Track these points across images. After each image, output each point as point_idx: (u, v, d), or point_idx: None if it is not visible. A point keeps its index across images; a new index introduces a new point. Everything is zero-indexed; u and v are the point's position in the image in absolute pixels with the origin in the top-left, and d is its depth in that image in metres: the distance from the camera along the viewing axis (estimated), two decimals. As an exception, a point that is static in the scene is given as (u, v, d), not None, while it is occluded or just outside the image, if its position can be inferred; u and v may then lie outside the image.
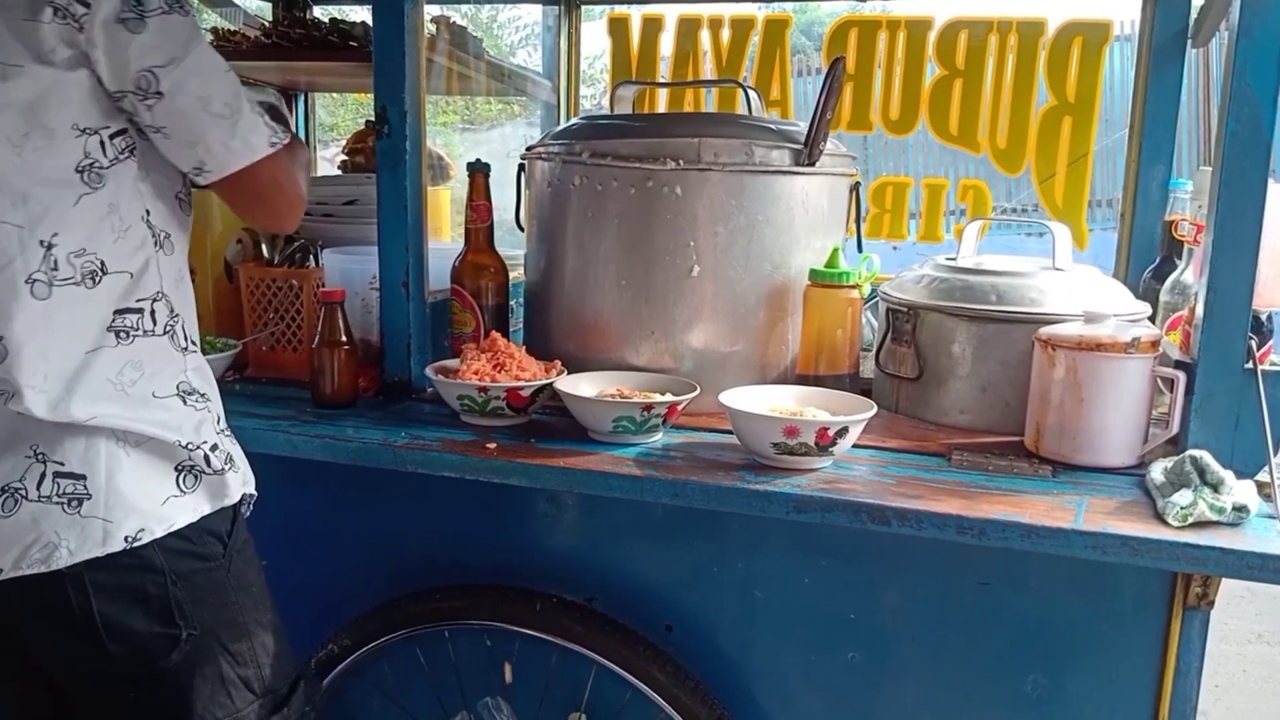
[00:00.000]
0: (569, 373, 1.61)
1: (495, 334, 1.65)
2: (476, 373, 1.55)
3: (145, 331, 1.25)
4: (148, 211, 1.25)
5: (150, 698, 1.25)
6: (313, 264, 1.88)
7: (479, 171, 1.74)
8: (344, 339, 1.65)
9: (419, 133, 1.66)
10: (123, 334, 1.23)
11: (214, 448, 1.30)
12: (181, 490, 1.25)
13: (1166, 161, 1.98)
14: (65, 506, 1.17)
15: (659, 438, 1.53)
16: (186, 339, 1.31)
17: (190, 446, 1.26)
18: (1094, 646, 1.41)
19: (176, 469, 1.25)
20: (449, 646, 1.67)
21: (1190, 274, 1.68)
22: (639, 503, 1.54)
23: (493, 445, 1.48)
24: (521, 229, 1.86)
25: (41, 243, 1.17)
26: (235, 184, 1.28)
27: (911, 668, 1.50)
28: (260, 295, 1.85)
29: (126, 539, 1.19)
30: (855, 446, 1.45)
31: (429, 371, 1.61)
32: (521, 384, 1.53)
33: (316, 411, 1.65)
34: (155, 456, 1.24)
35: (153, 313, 1.26)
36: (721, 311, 1.64)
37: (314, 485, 1.71)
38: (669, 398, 1.49)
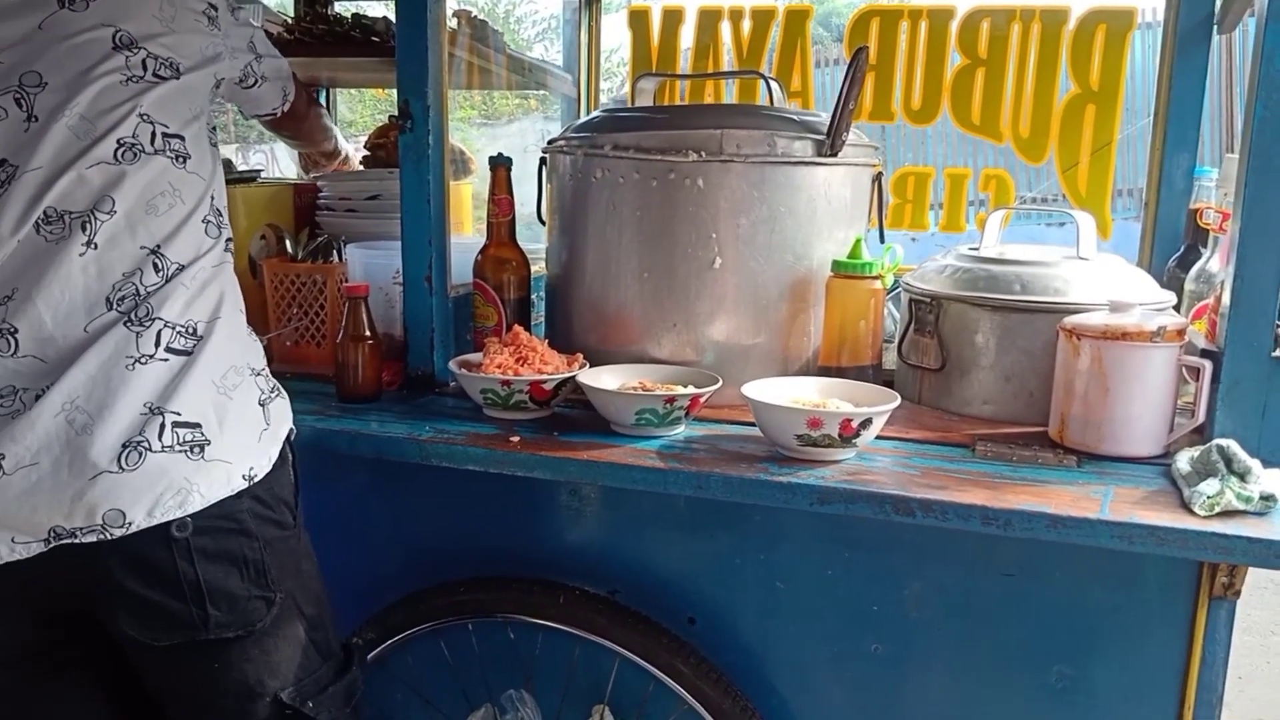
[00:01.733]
0: (591, 366, 1.61)
1: (518, 327, 1.66)
2: (499, 366, 1.56)
3: (231, 259, 1.40)
4: None
5: (238, 662, 1.30)
6: (336, 259, 1.89)
7: (501, 165, 1.75)
8: (368, 333, 1.66)
9: (441, 127, 1.66)
10: (227, 264, 1.38)
11: (266, 373, 1.39)
12: (266, 423, 1.33)
13: (1191, 149, 1.95)
14: (189, 453, 1.22)
15: (681, 430, 1.53)
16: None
17: (262, 373, 1.37)
18: (1119, 637, 1.41)
19: (260, 404, 1.34)
20: (472, 639, 1.68)
21: (1216, 262, 1.67)
22: (661, 495, 1.54)
23: (516, 438, 1.49)
24: (543, 222, 1.86)
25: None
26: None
27: (935, 659, 1.50)
28: (284, 291, 1.86)
29: (244, 477, 1.27)
30: (878, 438, 1.45)
31: (452, 365, 1.62)
32: (544, 377, 1.54)
33: (341, 406, 1.66)
34: (246, 395, 1.32)
35: (227, 240, 1.41)
36: (743, 303, 1.64)
37: (339, 479, 1.73)
38: (691, 390, 1.50)
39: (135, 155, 1.27)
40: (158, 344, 1.24)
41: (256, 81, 1.55)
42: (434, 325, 1.70)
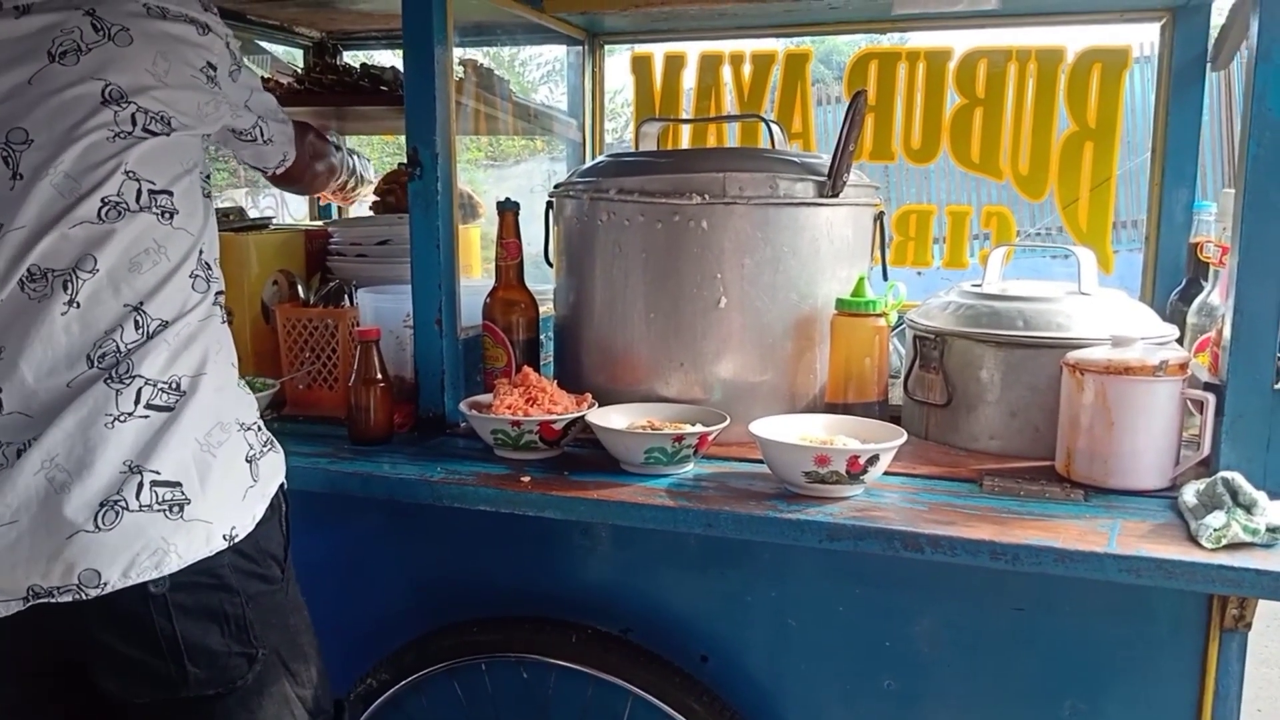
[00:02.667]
0: (600, 405, 1.63)
1: (527, 368, 1.68)
2: (509, 407, 1.58)
3: (220, 313, 1.38)
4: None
5: (220, 719, 1.28)
6: (347, 303, 1.92)
7: (508, 210, 1.78)
8: (379, 376, 1.68)
9: (450, 173, 1.70)
10: (214, 318, 1.36)
11: (258, 426, 1.37)
12: (253, 480, 1.31)
13: (1190, 184, 1.98)
14: (168, 513, 1.20)
15: (690, 468, 1.54)
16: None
17: (252, 427, 1.35)
18: (1131, 671, 1.41)
19: (247, 460, 1.31)
20: (486, 679, 1.69)
21: (1217, 295, 1.68)
22: (672, 533, 1.55)
23: (527, 479, 1.50)
24: (550, 265, 1.89)
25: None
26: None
27: (948, 694, 1.50)
28: (297, 335, 1.89)
29: (225, 537, 1.24)
30: (886, 474, 1.46)
31: (463, 407, 1.63)
32: (554, 417, 1.56)
33: (353, 448, 1.68)
34: (232, 451, 1.29)
35: (217, 294, 1.39)
36: (749, 342, 1.66)
37: (351, 520, 1.74)
38: (699, 429, 1.51)
39: (120, 214, 1.25)
40: (137, 401, 1.22)
41: (255, 140, 1.56)
42: (444, 367, 1.72)
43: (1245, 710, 1.40)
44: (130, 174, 1.27)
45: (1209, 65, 1.96)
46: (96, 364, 1.22)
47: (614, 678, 1.57)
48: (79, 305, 1.22)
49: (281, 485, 1.37)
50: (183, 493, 1.21)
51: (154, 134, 1.30)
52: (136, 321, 1.25)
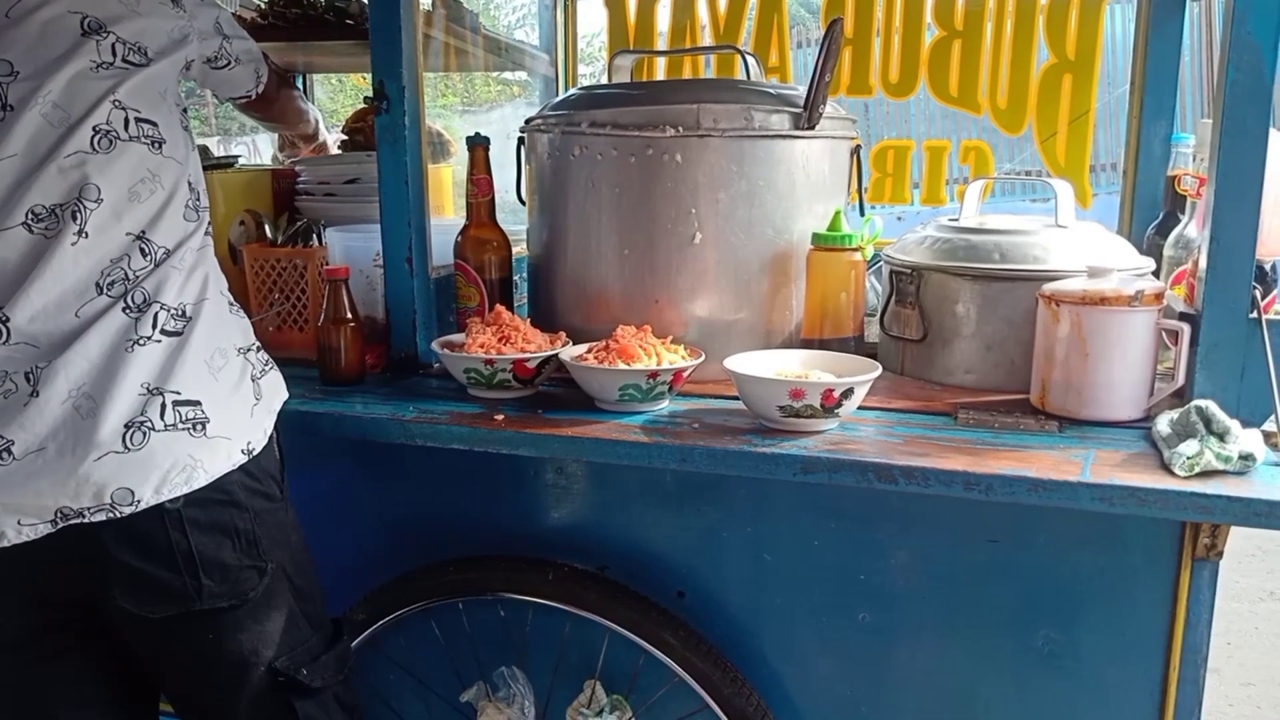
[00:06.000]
0: (575, 344, 1.61)
1: (500, 307, 1.66)
2: (482, 346, 1.56)
3: (211, 243, 1.42)
4: None
5: (232, 632, 1.32)
6: (316, 243, 1.88)
7: (479, 145, 1.74)
8: (349, 316, 1.65)
9: (418, 108, 1.66)
10: (208, 247, 1.41)
11: (256, 347, 1.42)
12: (257, 398, 1.36)
13: (1168, 117, 1.96)
14: (191, 431, 1.25)
15: (665, 405, 1.53)
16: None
17: (250, 349, 1.40)
18: (1104, 601, 1.42)
19: (252, 379, 1.36)
20: (463, 618, 1.69)
21: (1194, 227, 1.68)
22: (648, 470, 1.55)
23: (500, 417, 1.49)
24: (523, 203, 1.86)
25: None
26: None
27: (923, 626, 1.51)
28: (265, 276, 1.86)
29: (243, 452, 1.30)
30: (861, 408, 1.45)
31: (435, 346, 1.61)
32: (527, 355, 1.54)
33: (325, 389, 1.66)
34: (236, 373, 1.34)
35: (208, 224, 1.42)
36: (725, 278, 1.65)
37: (326, 463, 1.73)
38: (674, 364, 1.50)
39: (111, 143, 1.27)
40: (154, 326, 1.26)
41: (229, 63, 1.53)
42: (416, 307, 1.70)
43: (1216, 644, 1.42)
44: (117, 103, 1.29)
45: (1188, -4, 1.94)
46: (106, 291, 1.25)
47: (591, 614, 1.58)
48: (88, 235, 1.24)
49: (282, 402, 1.42)
50: (203, 411, 1.26)
51: (134, 65, 1.31)
52: (143, 249, 1.28)
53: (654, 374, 1.47)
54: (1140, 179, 1.98)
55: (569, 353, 1.56)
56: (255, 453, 1.32)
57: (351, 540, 1.77)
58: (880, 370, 1.42)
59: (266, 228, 1.92)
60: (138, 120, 1.30)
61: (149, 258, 1.28)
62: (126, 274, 1.26)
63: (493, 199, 1.77)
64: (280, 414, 1.41)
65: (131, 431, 1.21)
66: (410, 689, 1.79)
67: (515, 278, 1.86)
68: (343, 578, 1.72)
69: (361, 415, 1.53)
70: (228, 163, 2.14)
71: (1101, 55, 2.04)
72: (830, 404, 1.37)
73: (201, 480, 1.25)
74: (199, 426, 1.25)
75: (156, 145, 1.32)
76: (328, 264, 1.77)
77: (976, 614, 1.48)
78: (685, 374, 1.51)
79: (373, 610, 1.69)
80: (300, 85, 2.56)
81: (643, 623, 1.55)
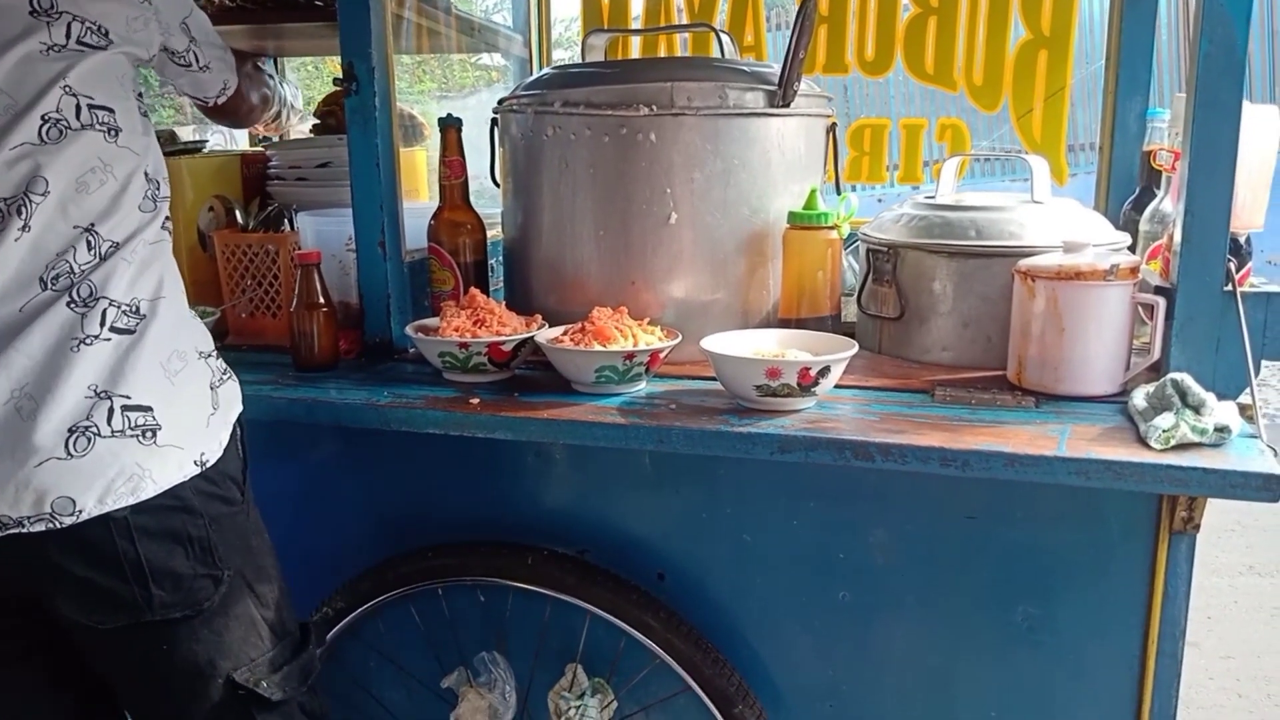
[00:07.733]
0: (551, 327, 1.60)
1: (475, 290, 1.64)
2: (457, 329, 1.54)
3: (169, 237, 1.34)
4: None
5: (187, 643, 1.27)
6: (287, 228, 1.87)
7: (450, 126, 1.72)
8: (322, 301, 1.64)
9: (389, 89, 1.64)
10: (165, 242, 1.33)
11: (215, 354, 1.36)
12: (214, 407, 1.30)
13: (1144, 92, 1.96)
14: (140, 438, 1.19)
15: (643, 387, 1.52)
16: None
17: (209, 355, 1.34)
18: (1082, 575, 1.42)
19: (210, 387, 1.31)
20: (443, 604, 1.68)
21: (1169, 202, 1.68)
22: (626, 452, 1.54)
23: (476, 400, 1.48)
24: (497, 185, 1.84)
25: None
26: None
27: (902, 604, 1.51)
28: (236, 262, 1.84)
29: (196, 463, 1.24)
30: (838, 387, 1.45)
31: (409, 330, 1.60)
32: (502, 338, 1.53)
33: (299, 375, 1.64)
34: (193, 378, 1.28)
35: (165, 217, 1.35)
36: (701, 259, 1.63)
37: (301, 450, 1.71)
38: (650, 345, 1.49)
39: (61, 132, 1.21)
40: (103, 323, 1.20)
41: (191, 64, 1.47)
42: (390, 291, 1.68)
43: (1196, 618, 1.43)
44: (68, 89, 1.22)
45: (1164, -31, 1.93)
46: (50, 286, 1.19)
47: (571, 598, 1.57)
48: (31, 230, 1.18)
49: (239, 413, 1.36)
50: (154, 418, 1.20)
51: (91, 47, 1.24)
52: (89, 242, 1.22)
53: (630, 355, 1.46)
54: (1116, 154, 1.98)
55: (545, 335, 1.54)
56: (209, 464, 1.25)
57: (329, 528, 1.75)
58: (857, 348, 1.42)
59: (237, 213, 1.90)
60: (91, 107, 1.24)
61: (94, 250, 1.22)
62: (71, 267, 1.20)
63: (466, 181, 1.75)
64: (251, 401, 1.39)
65: (75, 437, 1.15)
66: (391, 675, 1.78)
67: (491, 262, 1.84)
68: (321, 566, 1.71)
69: (336, 401, 1.51)
70: (195, 148, 2.11)
71: (1077, 30, 2.04)
72: (807, 383, 1.36)
73: (149, 491, 1.19)
74: (149, 434, 1.19)
75: (112, 134, 1.25)
76: (300, 249, 1.75)
77: (955, 591, 1.48)
78: (662, 355, 1.50)
79: (351, 597, 1.67)
80: (273, 69, 2.52)
81: (623, 605, 1.55)
